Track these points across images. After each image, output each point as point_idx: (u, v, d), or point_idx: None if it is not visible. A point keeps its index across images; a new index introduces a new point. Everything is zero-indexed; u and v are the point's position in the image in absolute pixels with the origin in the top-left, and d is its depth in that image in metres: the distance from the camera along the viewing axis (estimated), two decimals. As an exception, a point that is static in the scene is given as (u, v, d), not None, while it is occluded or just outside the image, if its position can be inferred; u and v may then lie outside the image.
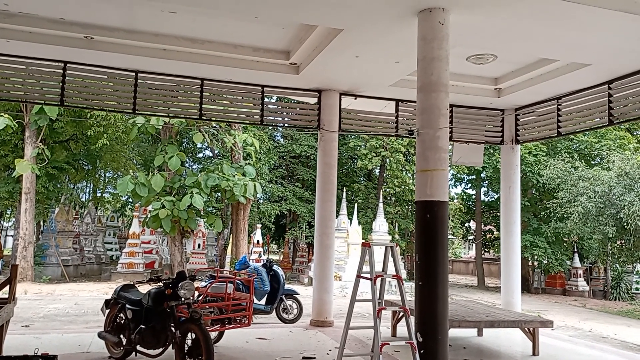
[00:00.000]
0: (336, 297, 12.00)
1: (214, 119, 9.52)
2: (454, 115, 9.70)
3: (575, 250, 21.43)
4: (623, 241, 16.88)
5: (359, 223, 19.38)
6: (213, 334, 5.95)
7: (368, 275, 4.71)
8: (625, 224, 15.34)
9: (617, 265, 20.42)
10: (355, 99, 9.13)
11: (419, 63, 5.71)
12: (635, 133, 22.90)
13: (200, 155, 27.36)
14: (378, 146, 22.92)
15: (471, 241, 28.42)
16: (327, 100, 8.86)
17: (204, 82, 8.34)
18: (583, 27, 6.05)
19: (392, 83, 8.44)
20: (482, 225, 25.54)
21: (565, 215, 17.88)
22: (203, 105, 8.38)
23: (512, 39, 6.66)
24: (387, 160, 23.31)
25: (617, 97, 7.84)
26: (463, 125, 9.82)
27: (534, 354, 6.72)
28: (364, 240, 5.86)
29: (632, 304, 19.07)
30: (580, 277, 21.26)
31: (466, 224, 27.40)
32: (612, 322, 14.21)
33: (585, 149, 21.35)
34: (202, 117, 8.54)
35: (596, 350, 7.48)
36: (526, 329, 6.79)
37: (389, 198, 24.07)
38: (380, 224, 18.73)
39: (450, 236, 26.10)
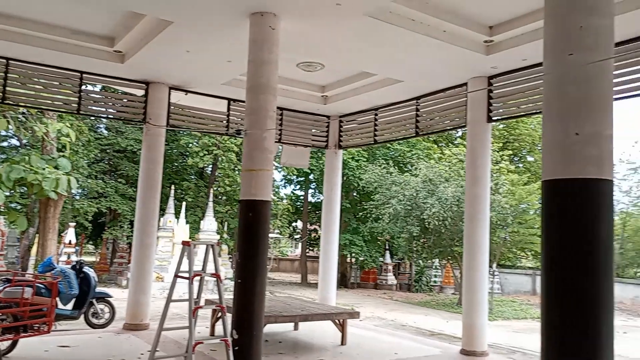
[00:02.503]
0: (157, 298, 11.53)
1: (22, 104, 8.47)
2: (283, 118, 10.04)
3: (387, 247, 23.67)
4: (425, 239, 19.09)
5: (187, 222, 18.87)
6: (5, 344, 5.28)
7: (186, 275, 4.64)
8: (427, 224, 17.40)
9: (420, 261, 23.06)
10: (186, 94, 8.91)
11: (249, 65, 5.81)
12: (440, 145, 26.08)
13: (5, 144, 23.97)
14: (211, 144, 22.60)
15: (297, 240, 29.60)
16: (155, 93, 8.49)
17: (10, 61, 7.39)
18: (395, 47, 6.73)
19: (225, 82, 8.43)
20: (309, 225, 26.77)
21: (379, 216, 19.64)
22: (8, 88, 7.43)
23: (337, 51, 7.14)
24: (220, 158, 23.11)
25: (423, 112, 8.89)
26: (291, 128, 10.22)
27: (342, 344, 7.28)
28: (184, 239, 5.75)
29: (430, 295, 21.72)
30: (389, 272, 23.56)
31: (294, 224, 28.46)
32: (413, 311, 16.01)
33: (399, 157, 23.70)
34: (7, 101, 7.55)
35: (396, 337, 8.42)
36: (336, 320, 7.34)
37: (219, 197, 23.87)
38: (209, 223, 18.48)
39: (278, 235, 26.87)
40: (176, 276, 4.82)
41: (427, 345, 7.96)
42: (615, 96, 5.94)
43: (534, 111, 7.31)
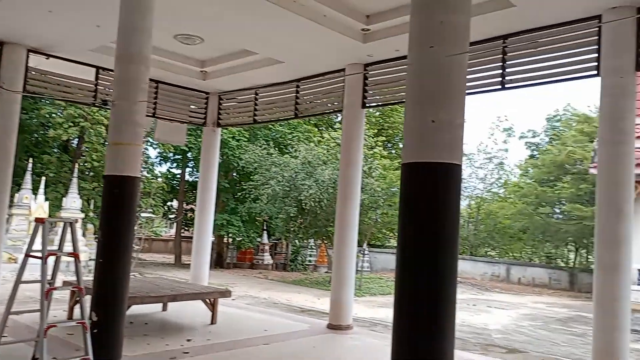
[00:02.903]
0: (9, 281, 10.47)
1: None
2: (159, 92, 9.60)
3: (265, 228, 23.86)
4: (302, 220, 19.57)
5: (47, 199, 17.29)
6: None
7: (39, 254, 4.27)
8: (304, 205, 17.83)
9: (297, 241, 23.62)
10: (48, 58, 8.12)
11: (120, 32, 5.44)
12: (320, 128, 26.69)
13: None
14: (77, 115, 20.84)
15: (172, 220, 28.63)
16: (9, 55, 7.63)
17: None
18: (276, 27, 6.73)
19: (93, 48, 7.82)
20: (185, 205, 26.01)
21: (258, 197, 19.69)
22: None
23: (216, 26, 6.95)
24: (87, 131, 21.43)
25: (303, 94, 9.02)
26: (167, 102, 9.81)
27: (212, 323, 7.25)
28: (38, 217, 5.30)
29: (305, 274, 22.37)
30: (266, 252, 23.82)
31: (169, 203, 27.45)
32: (287, 290, 16.39)
33: (280, 138, 23.88)
34: None
35: (266, 315, 8.60)
36: (207, 300, 7.27)
37: (86, 173, 22.20)
38: (73, 201, 17.11)
39: (151, 214, 25.74)
40: (27, 255, 4.41)
41: (297, 321, 8.21)
42: (469, 91, 6.56)
43: (405, 100, 7.75)
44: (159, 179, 25.42)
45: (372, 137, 21.13)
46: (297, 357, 5.85)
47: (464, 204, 33.98)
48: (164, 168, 27.84)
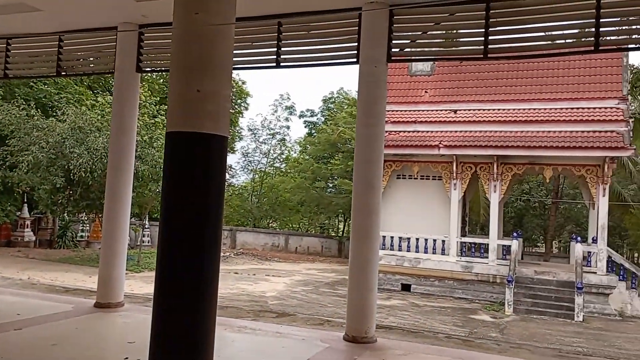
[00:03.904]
0: None
1: None
2: None
3: (25, 200, 20.98)
4: (71, 192, 17.71)
5: None
6: None
7: None
8: (73, 175, 16.15)
9: (66, 215, 21.31)
10: None
11: None
12: (95, 91, 24.28)
13: None
14: None
15: None
16: None
17: None
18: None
19: None
20: None
21: (16, 165, 17.17)
22: None
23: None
24: None
25: (67, 50, 8.03)
26: None
27: (-58, 312, 6.13)
28: None
29: (75, 251, 20.41)
30: (27, 227, 20.96)
31: None
32: (51, 269, 14.80)
33: (44, 98, 21.05)
34: None
35: (21, 297, 7.63)
36: None
37: None
38: None
39: None
40: None
41: (59, 302, 7.44)
42: (245, 65, 6.69)
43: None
44: None
45: (155, 105, 20.11)
46: (55, 341, 5.30)
47: (248, 177, 35.00)
48: None
